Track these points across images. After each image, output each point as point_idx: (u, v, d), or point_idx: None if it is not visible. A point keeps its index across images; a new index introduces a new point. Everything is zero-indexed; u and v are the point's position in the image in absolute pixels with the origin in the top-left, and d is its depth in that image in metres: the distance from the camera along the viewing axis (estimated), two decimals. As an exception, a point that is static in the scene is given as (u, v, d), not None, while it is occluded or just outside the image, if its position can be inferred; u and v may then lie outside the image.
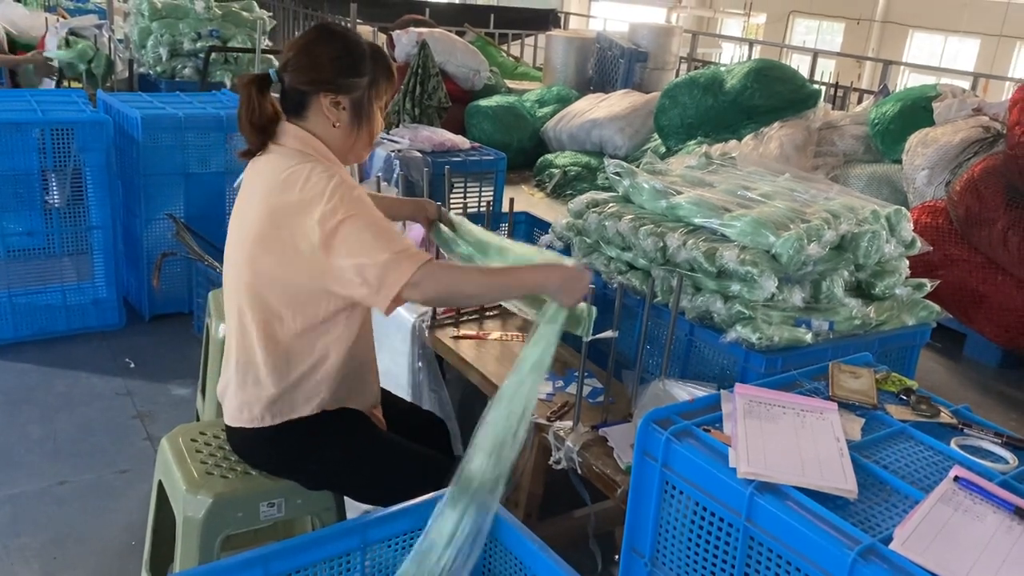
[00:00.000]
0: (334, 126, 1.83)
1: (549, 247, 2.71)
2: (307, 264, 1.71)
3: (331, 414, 1.89)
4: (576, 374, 2.19)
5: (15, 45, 6.45)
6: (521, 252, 2.03)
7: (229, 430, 1.94)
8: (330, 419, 1.88)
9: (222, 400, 1.95)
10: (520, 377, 1.67)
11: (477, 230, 2.14)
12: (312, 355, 1.82)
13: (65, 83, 6.21)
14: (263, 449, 1.90)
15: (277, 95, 1.85)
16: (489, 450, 1.58)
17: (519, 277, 1.84)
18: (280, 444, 1.88)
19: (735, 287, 2.16)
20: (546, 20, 12.71)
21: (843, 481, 1.34)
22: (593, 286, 1.91)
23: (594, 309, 1.91)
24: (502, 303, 2.31)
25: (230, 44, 6.56)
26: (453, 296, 1.93)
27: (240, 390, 1.86)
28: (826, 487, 1.33)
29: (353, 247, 1.66)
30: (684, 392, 1.98)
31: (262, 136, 1.81)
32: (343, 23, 9.87)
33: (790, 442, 1.44)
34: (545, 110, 7.94)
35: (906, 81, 12.58)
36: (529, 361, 1.69)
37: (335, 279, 1.70)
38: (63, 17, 6.95)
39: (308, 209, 1.68)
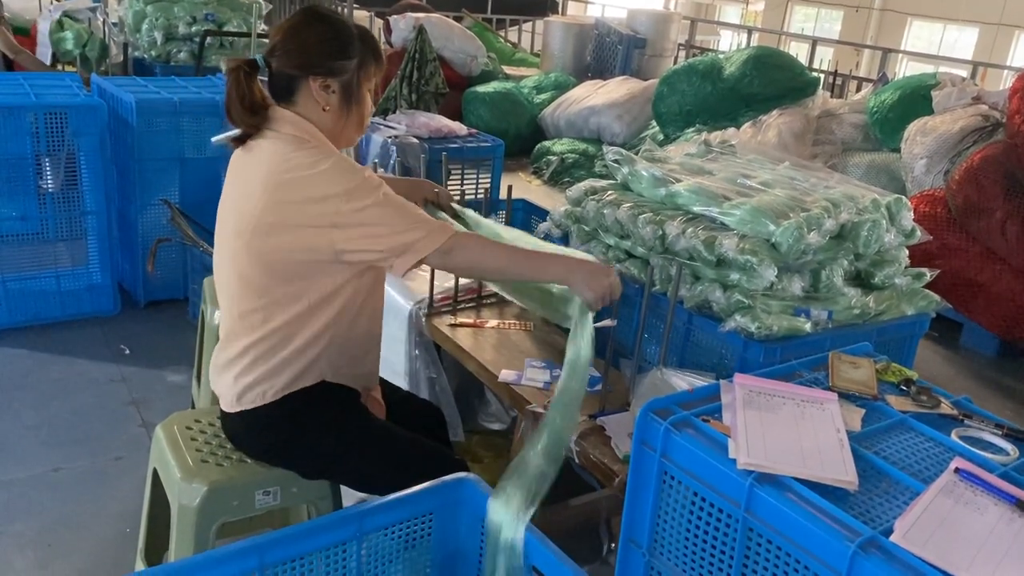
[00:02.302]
0: (324, 110, 1.82)
1: (546, 236, 2.69)
2: (323, 245, 1.72)
3: (330, 392, 1.87)
4: (574, 363, 2.18)
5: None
6: (532, 243, 2.07)
7: (226, 417, 1.93)
8: (329, 396, 1.87)
9: (217, 387, 1.93)
10: (574, 375, 1.71)
11: (487, 223, 2.15)
12: (312, 329, 1.81)
13: (59, 67, 6.15)
14: (262, 431, 1.88)
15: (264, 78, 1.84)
16: (548, 446, 1.62)
17: (544, 262, 1.85)
18: (280, 424, 1.86)
19: (734, 276, 2.15)
20: (544, 6, 12.66)
21: (843, 472, 1.33)
22: (620, 285, 1.84)
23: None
24: (505, 295, 2.31)
25: (226, 28, 6.50)
26: (478, 268, 1.93)
27: (240, 373, 1.85)
28: (826, 478, 1.31)
29: (387, 221, 1.71)
30: (682, 381, 1.97)
31: (256, 120, 1.79)
32: (339, 8, 9.81)
33: (790, 433, 1.43)
34: (543, 96, 7.90)
35: (904, 69, 12.56)
36: (581, 358, 1.73)
37: (360, 252, 1.73)
38: (57, 0, 6.88)
39: (327, 192, 1.70)
